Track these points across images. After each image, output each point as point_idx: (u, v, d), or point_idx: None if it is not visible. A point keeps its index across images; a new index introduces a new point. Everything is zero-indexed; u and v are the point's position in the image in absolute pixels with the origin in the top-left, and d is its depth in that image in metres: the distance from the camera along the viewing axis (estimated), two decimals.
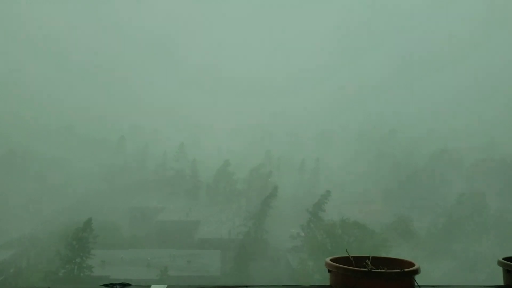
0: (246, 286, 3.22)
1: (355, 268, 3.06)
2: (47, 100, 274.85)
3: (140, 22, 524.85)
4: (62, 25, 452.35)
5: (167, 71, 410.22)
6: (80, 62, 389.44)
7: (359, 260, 3.35)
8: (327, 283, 3.29)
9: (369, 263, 3.30)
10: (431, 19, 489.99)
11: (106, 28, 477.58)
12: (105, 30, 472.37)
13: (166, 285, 3.19)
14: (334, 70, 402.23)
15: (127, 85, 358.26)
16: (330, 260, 3.24)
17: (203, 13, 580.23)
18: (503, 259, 3.50)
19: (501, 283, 3.52)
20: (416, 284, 3.06)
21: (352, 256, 3.36)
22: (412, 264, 3.14)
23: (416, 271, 3.03)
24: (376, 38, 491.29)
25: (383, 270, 3.02)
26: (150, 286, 3.18)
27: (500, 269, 3.54)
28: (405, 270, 2.98)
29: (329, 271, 3.18)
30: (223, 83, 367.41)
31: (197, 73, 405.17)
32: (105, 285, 3.17)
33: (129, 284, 3.20)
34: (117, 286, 3.16)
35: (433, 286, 3.40)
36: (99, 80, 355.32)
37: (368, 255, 3.46)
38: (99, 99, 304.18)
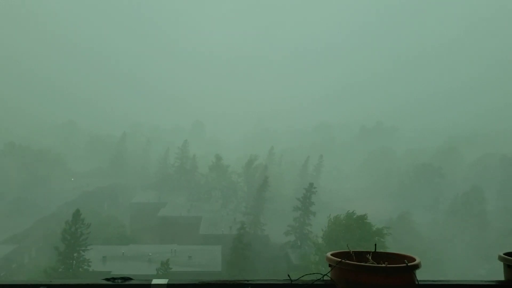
0: (247, 281, 3.22)
1: (356, 262, 3.07)
2: (50, 95, 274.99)
3: (144, 18, 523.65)
4: (66, 22, 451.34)
5: (168, 68, 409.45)
6: (84, 58, 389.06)
7: (360, 255, 3.36)
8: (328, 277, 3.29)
9: (370, 258, 3.31)
10: (431, 17, 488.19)
11: (108, 24, 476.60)
12: (108, 26, 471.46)
13: (167, 280, 3.19)
14: (334, 66, 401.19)
15: (130, 81, 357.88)
16: (331, 254, 3.25)
17: (205, 7, 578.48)
18: (504, 254, 3.49)
19: (502, 278, 3.51)
20: (416, 279, 3.06)
21: (353, 251, 3.37)
22: (413, 259, 3.14)
23: (417, 266, 3.04)
24: (375, 34, 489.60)
25: (384, 265, 3.03)
26: (151, 280, 3.19)
27: (501, 264, 3.53)
28: (406, 264, 2.99)
29: (329, 265, 3.19)
30: (224, 79, 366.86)
31: (198, 70, 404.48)
32: (107, 279, 3.18)
33: (130, 278, 3.21)
34: (119, 280, 3.17)
35: (433, 281, 3.40)
36: (101, 76, 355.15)
37: (369, 250, 3.47)
38: (101, 95, 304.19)
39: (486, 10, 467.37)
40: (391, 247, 47.11)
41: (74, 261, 48.24)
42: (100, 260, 55.70)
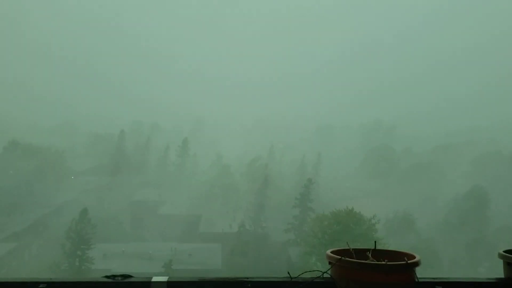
0: (247, 278, 3.23)
1: (356, 260, 3.08)
2: (50, 94, 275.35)
3: (136, 22, 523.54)
4: (61, 23, 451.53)
5: (168, 66, 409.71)
6: (84, 56, 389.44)
7: (360, 253, 3.37)
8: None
9: (370, 255, 3.31)
10: (431, 26, 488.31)
11: (103, 28, 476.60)
12: (103, 31, 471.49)
13: (167, 277, 3.20)
14: (335, 67, 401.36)
15: (130, 80, 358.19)
16: (331, 252, 3.25)
17: (202, 10, 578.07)
18: (504, 251, 3.50)
19: (502, 275, 3.52)
20: (416, 276, 3.07)
21: (352, 249, 3.38)
22: (413, 257, 3.15)
23: (417, 263, 3.04)
24: (375, 33, 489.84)
25: (383, 262, 3.03)
26: (151, 277, 3.19)
27: (501, 261, 3.54)
28: (406, 262, 2.99)
29: (329, 263, 3.19)
30: (223, 79, 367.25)
31: (196, 69, 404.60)
32: (107, 276, 3.18)
33: (130, 276, 3.22)
34: (119, 278, 3.17)
35: (433, 278, 3.40)
36: (101, 74, 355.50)
37: (369, 248, 3.47)
38: (101, 93, 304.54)
39: (486, 7, 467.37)
40: (391, 246, 47.20)
41: (77, 259, 48.66)
42: (101, 258, 55.80)
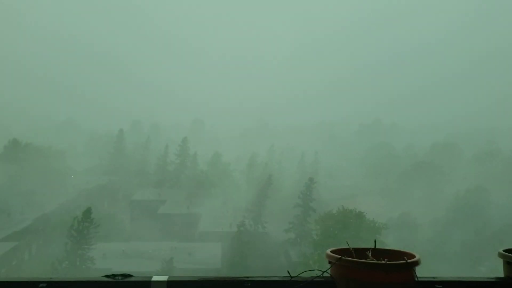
0: (247, 277, 3.23)
1: (355, 259, 3.08)
2: (51, 93, 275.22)
3: (138, 16, 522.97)
4: (62, 19, 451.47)
5: (167, 65, 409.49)
6: (84, 55, 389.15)
7: (360, 252, 3.37)
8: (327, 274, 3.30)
9: (370, 255, 3.31)
10: (429, 7, 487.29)
11: (108, 21, 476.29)
12: (108, 23, 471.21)
13: (167, 276, 3.20)
14: (332, 62, 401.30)
15: (129, 79, 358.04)
16: (331, 251, 3.25)
17: (203, 5, 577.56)
18: (503, 250, 3.51)
19: (501, 275, 3.53)
20: (416, 275, 3.07)
21: (352, 248, 3.38)
22: (413, 256, 3.15)
23: (417, 263, 3.05)
24: (373, 29, 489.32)
25: (383, 262, 3.03)
26: (151, 277, 3.20)
27: (500, 261, 3.55)
28: (406, 261, 3.00)
29: (329, 262, 3.19)
30: (222, 78, 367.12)
31: (197, 67, 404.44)
32: (107, 276, 3.19)
33: (130, 275, 3.22)
34: (119, 277, 3.17)
35: (433, 277, 3.41)
36: (101, 73, 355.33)
37: (369, 247, 3.47)
38: (101, 92, 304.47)
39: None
40: (392, 245, 47.25)
41: (78, 259, 48.78)
42: (101, 258, 55.78)
